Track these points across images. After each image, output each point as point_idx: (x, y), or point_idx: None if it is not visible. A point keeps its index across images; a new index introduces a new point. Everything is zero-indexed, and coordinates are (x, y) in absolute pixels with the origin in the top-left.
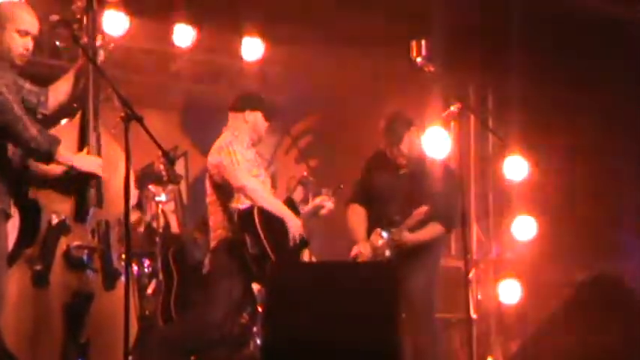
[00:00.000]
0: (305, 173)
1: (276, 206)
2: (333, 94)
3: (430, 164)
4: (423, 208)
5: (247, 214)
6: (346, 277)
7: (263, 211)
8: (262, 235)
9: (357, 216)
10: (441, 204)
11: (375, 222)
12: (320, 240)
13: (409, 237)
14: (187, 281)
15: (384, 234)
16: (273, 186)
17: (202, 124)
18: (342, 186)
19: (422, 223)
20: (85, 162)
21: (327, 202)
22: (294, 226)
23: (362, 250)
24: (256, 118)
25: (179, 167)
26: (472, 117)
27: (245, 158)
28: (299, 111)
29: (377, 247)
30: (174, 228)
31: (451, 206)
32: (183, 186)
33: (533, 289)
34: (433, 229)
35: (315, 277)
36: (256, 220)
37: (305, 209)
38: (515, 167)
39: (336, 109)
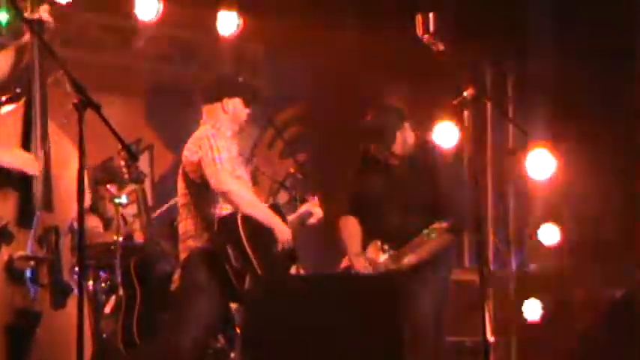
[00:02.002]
0: (292, 170)
1: (265, 214)
2: (325, 77)
3: (430, 158)
4: (432, 235)
5: (230, 222)
6: (340, 292)
7: (248, 220)
8: (248, 247)
9: (350, 228)
10: (445, 204)
11: (371, 234)
12: (308, 252)
13: (410, 261)
14: (153, 299)
15: (385, 247)
16: (254, 185)
17: (170, 113)
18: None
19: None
20: (13, 158)
21: (315, 210)
22: (284, 233)
23: (357, 265)
24: (235, 105)
25: (143, 163)
26: (489, 104)
27: (230, 156)
28: (284, 97)
29: (377, 263)
30: (137, 235)
31: (457, 204)
32: (147, 186)
33: (560, 307)
34: (440, 241)
35: (302, 293)
36: (240, 230)
37: (290, 217)
38: (540, 164)
39: (328, 95)
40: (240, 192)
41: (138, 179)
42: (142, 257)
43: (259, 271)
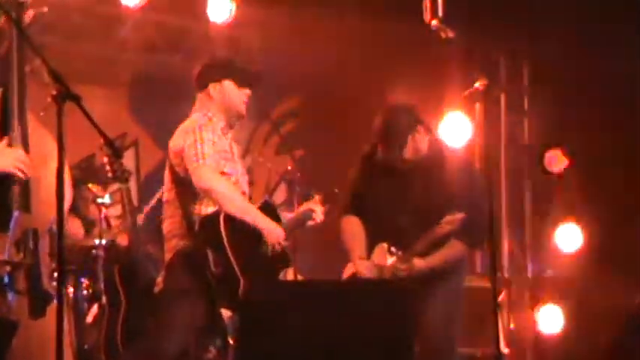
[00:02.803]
0: (289, 167)
1: (251, 214)
2: (324, 68)
3: (446, 161)
4: (446, 226)
5: (211, 221)
6: (343, 299)
7: (231, 219)
8: (229, 250)
9: (353, 229)
10: (459, 207)
11: (377, 236)
12: (308, 256)
13: (420, 265)
14: (138, 306)
15: (393, 249)
16: (250, 185)
17: (157, 106)
18: (336, 190)
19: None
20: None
21: (317, 210)
22: (274, 235)
23: (362, 271)
24: (225, 89)
25: (128, 160)
26: (503, 96)
27: (215, 149)
28: (280, 89)
29: (384, 267)
30: (122, 238)
31: (475, 217)
32: (132, 184)
33: (581, 317)
34: (452, 250)
35: (301, 300)
36: (222, 231)
37: (288, 217)
38: (559, 161)
39: (328, 87)
40: (222, 189)
41: (122, 178)
42: (126, 262)
43: (241, 277)
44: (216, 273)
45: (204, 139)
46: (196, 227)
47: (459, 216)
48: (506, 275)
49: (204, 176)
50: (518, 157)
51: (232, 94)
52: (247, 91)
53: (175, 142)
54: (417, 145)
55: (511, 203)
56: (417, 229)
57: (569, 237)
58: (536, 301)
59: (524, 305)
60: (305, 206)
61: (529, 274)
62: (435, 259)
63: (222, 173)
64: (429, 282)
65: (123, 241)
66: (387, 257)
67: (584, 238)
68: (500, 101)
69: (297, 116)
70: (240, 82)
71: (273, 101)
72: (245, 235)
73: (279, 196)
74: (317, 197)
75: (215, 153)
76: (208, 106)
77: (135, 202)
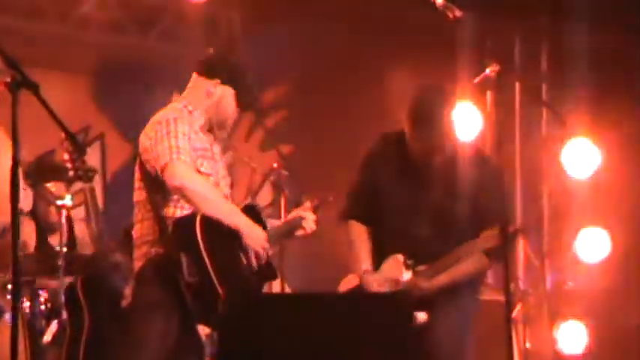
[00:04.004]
0: (275, 165)
1: (231, 215)
2: (314, 52)
3: (474, 161)
4: (483, 242)
5: (185, 224)
6: (336, 314)
7: (209, 221)
8: (206, 257)
9: (357, 237)
10: (486, 212)
11: (389, 247)
12: (296, 267)
13: (438, 282)
14: (104, 323)
15: (410, 262)
16: (231, 186)
17: (125, 95)
18: (331, 198)
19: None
20: None
21: (308, 218)
22: (256, 239)
23: (372, 285)
24: (225, 95)
25: (92, 157)
26: (518, 84)
27: (192, 146)
28: (265, 75)
29: (400, 282)
30: (85, 244)
31: (501, 211)
32: (98, 184)
33: (605, 333)
34: (474, 265)
35: (289, 316)
36: (198, 234)
37: (275, 224)
38: (581, 157)
39: (320, 74)
40: (197, 187)
41: (86, 176)
42: (91, 272)
43: (219, 288)
44: (191, 283)
45: (178, 132)
46: (169, 231)
47: (496, 231)
48: (521, 287)
49: (177, 173)
50: (535, 154)
51: (229, 107)
52: (237, 111)
53: (146, 135)
54: (451, 133)
55: (527, 205)
56: (437, 239)
57: (593, 244)
58: (555, 317)
59: (542, 321)
60: (294, 213)
61: (547, 286)
62: (457, 273)
63: (200, 173)
64: (445, 295)
65: (87, 247)
66: (402, 271)
67: (610, 245)
68: (515, 89)
69: (285, 107)
70: (241, 101)
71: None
72: (224, 239)
73: (264, 199)
74: (308, 203)
75: (191, 149)
76: (198, 98)
77: (100, 203)
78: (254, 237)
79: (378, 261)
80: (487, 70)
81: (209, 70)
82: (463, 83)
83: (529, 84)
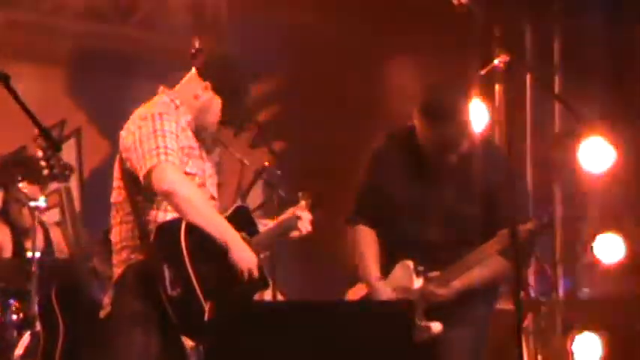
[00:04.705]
0: (266, 164)
1: (218, 227)
2: (308, 42)
3: (489, 159)
4: (501, 238)
5: (169, 230)
6: (334, 325)
7: (195, 229)
8: (190, 268)
9: (365, 242)
10: (503, 215)
11: (397, 252)
12: (290, 272)
13: (453, 289)
14: (80, 335)
15: (421, 269)
16: (219, 186)
17: (104, 87)
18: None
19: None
20: None
21: (303, 218)
22: (244, 260)
23: (380, 293)
24: (212, 103)
25: (68, 154)
26: (528, 76)
27: (180, 144)
28: (255, 67)
29: (411, 290)
30: (61, 250)
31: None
32: (74, 183)
33: (622, 345)
34: (495, 269)
35: (281, 326)
36: (182, 243)
37: (268, 225)
38: (597, 155)
39: (315, 64)
40: (187, 193)
41: (61, 175)
42: (66, 280)
43: (203, 302)
44: (174, 296)
45: (165, 131)
46: (151, 237)
47: (529, 226)
48: (532, 295)
49: (167, 176)
50: (547, 152)
51: (212, 117)
52: (216, 128)
53: (128, 130)
54: (470, 132)
55: (539, 206)
56: (450, 243)
57: (609, 249)
58: (569, 328)
59: (555, 332)
60: (288, 212)
61: (560, 294)
62: (474, 279)
63: (185, 173)
64: (455, 307)
65: (62, 252)
66: (412, 279)
67: (627, 250)
68: (526, 82)
69: (276, 101)
70: (226, 115)
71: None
72: (211, 248)
73: (255, 199)
74: (303, 202)
75: (178, 149)
76: (185, 96)
77: (77, 205)
78: (242, 258)
79: (385, 267)
80: (495, 61)
81: (203, 70)
82: (469, 75)
83: (541, 76)
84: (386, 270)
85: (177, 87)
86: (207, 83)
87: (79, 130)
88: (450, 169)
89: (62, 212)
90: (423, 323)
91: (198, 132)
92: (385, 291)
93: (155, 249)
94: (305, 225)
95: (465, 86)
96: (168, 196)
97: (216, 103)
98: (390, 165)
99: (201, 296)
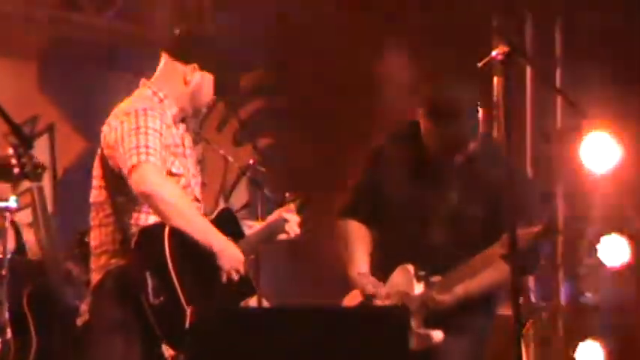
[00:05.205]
0: (251, 162)
1: (203, 231)
2: (295, 32)
3: (497, 159)
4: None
5: (152, 236)
6: (324, 333)
7: (179, 234)
8: (174, 275)
9: (354, 240)
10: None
11: (396, 255)
12: (276, 276)
13: (456, 295)
14: (55, 343)
15: (422, 274)
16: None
17: (78, 80)
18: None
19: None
20: None
21: (291, 220)
22: (230, 259)
23: (362, 286)
24: (204, 82)
25: (40, 151)
26: (529, 69)
27: (163, 142)
28: (240, 59)
29: (411, 296)
30: (32, 252)
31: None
32: (46, 183)
33: (628, 354)
34: (497, 274)
35: (267, 334)
36: (166, 249)
37: (253, 227)
38: (600, 152)
39: (301, 57)
40: (169, 196)
41: (33, 174)
42: (39, 284)
43: (188, 312)
44: (156, 304)
45: (148, 128)
46: (133, 242)
47: (536, 229)
48: (532, 300)
49: (147, 178)
50: (547, 148)
51: (207, 94)
52: (213, 98)
53: (110, 126)
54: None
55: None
56: (453, 247)
57: (613, 251)
58: (571, 335)
59: (557, 339)
60: (276, 214)
61: (562, 300)
62: (478, 285)
63: (170, 173)
64: (454, 314)
65: (35, 254)
66: (413, 283)
67: (631, 252)
68: (526, 74)
69: (262, 95)
70: (219, 87)
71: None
72: (195, 254)
73: (239, 199)
74: (291, 205)
75: (162, 146)
76: (171, 83)
77: (50, 205)
78: (227, 257)
79: (383, 273)
80: (494, 53)
81: (185, 53)
82: (466, 68)
83: (541, 68)
84: (384, 274)
85: (155, 78)
86: (194, 64)
87: (52, 127)
88: (454, 169)
89: (34, 213)
90: (423, 331)
91: (191, 117)
92: (367, 285)
93: (137, 255)
94: (293, 227)
95: (474, 83)
96: (148, 198)
97: (208, 80)
98: (391, 164)
99: (185, 304)
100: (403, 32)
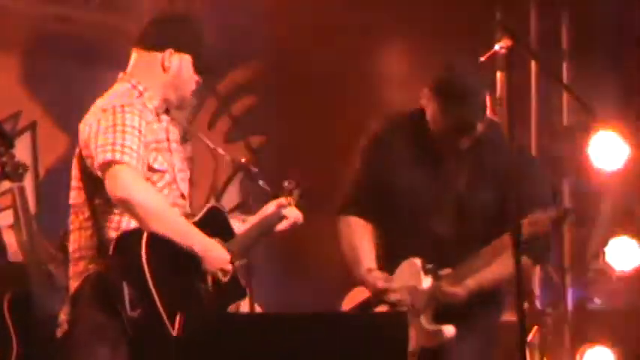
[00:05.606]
0: (243, 160)
1: (184, 234)
2: (290, 24)
3: (503, 145)
4: (529, 227)
5: (129, 244)
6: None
7: (158, 241)
8: (152, 286)
9: (358, 236)
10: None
11: (401, 249)
12: (269, 280)
13: (469, 287)
14: (37, 350)
15: (430, 267)
16: (191, 183)
17: (62, 76)
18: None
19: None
20: None
21: (289, 215)
22: (216, 261)
23: (372, 283)
24: (182, 64)
25: (22, 150)
26: (533, 63)
27: (143, 139)
28: (231, 53)
29: (418, 290)
30: (14, 254)
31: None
32: (28, 183)
33: None
34: (511, 266)
35: (260, 343)
36: (143, 258)
37: (248, 222)
38: (609, 151)
39: (295, 50)
40: (145, 200)
41: (14, 174)
42: (19, 288)
43: (168, 323)
44: (134, 317)
45: (126, 126)
46: (110, 249)
47: (551, 213)
48: (538, 306)
49: (120, 181)
50: (554, 145)
51: (187, 74)
52: (197, 79)
53: (86, 124)
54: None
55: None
56: (462, 238)
57: (623, 254)
58: (578, 342)
59: (563, 347)
60: (272, 206)
61: (569, 305)
62: (490, 276)
63: (151, 169)
64: (466, 309)
65: (16, 257)
66: (421, 277)
67: None
68: (531, 69)
69: (254, 90)
70: (200, 66)
71: (222, 70)
72: (176, 260)
73: (230, 199)
74: (290, 197)
75: (141, 145)
76: (150, 74)
77: (32, 206)
78: (212, 259)
79: (389, 266)
80: (497, 47)
81: (157, 40)
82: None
83: (547, 63)
84: (389, 269)
85: (131, 71)
86: (169, 49)
87: (34, 124)
88: (461, 154)
89: (15, 214)
90: (434, 327)
91: (176, 107)
92: (378, 280)
93: (114, 263)
94: (292, 213)
95: (480, 64)
96: (122, 203)
97: (186, 61)
98: (392, 150)
99: (165, 316)
100: (402, 26)
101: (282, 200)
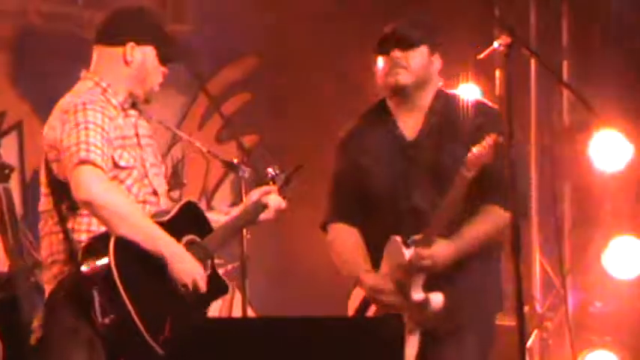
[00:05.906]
0: (235, 160)
1: (152, 238)
2: (282, 21)
3: (464, 107)
4: (467, 171)
5: (97, 250)
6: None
7: (127, 244)
8: (122, 290)
9: (347, 241)
10: (495, 167)
11: (385, 232)
12: (263, 282)
13: (447, 251)
14: (21, 356)
15: (410, 240)
16: (176, 186)
17: (49, 74)
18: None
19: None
20: None
21: (272, 203)
22: (185, 270)
23: (374, 284)
24: (145, 56)
25: (7, 150)
26: (533, 61)
27: (108, 136)
28: (222, 50)
29: (400, 265)
30: (1, 260)
31: (519, 171)
32: (14, 184)
33: None
34: (488, 219)
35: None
36: (112, 263)
37: (232, 212)
38: (611, 151)
39: (287, 48)
40: (108, 201)
41: (0, 175)
42: (5, 295)
43: (144, 331)
44: (107, 324)
45: (88, 123)
46: (80, 254)
47: (489, 140)
48: (538, 309)
49: (84, 183)
50: (554, 146)
51: (151, 66)
52: (163, 69)
53: (50, 126)
54: (435, 71)
55: (545, 209)
56: (437, 207)
57: (624, 257)
58: (580, 346)
59: (564, 351)
60: (255, 195)
61: (570, 308)
62: (467, 237)
63: (117, 167)
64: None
65: (2, 264)
66: (403, 251)
67: None
68: (530, 67)
69: (247, 88)
70: (164, 56)
71: (212, 68)
72: (148, 262)
73: (223, 201)
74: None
75: (105, 143)
76: (112, 70)
77: (18, 208)
78: (182, 270)
79: (377, 261)
80: (495, 44)
81: (117, 34)
82: (466, 59)
83: (547, 61)
84: (374, 262)
85: (94, 68)
86: (130, 43)
87: (20, 124)
88: (426, 123)
89: (1, 217)
90: (419, 297)
91: (143, 101)
92: (377, 282)
93: (83, 272)
94: (274, 200)
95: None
96: (86, 205)
97: (149, 53)
98: (364, 142)
99: (138, 321)
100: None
101: (266, 187)
